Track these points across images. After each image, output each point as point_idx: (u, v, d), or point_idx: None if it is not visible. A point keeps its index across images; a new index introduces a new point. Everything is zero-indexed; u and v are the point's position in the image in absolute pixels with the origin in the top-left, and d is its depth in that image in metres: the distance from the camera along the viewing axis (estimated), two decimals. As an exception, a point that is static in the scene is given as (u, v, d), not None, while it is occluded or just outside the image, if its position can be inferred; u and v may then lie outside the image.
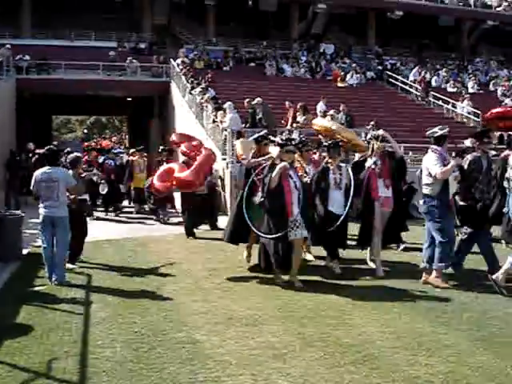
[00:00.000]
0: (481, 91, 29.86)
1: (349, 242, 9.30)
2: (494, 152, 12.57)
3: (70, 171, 9.36)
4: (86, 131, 65.13)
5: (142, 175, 17.07)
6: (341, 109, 19.53)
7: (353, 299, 7.22)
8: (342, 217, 8.44)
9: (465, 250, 8.67)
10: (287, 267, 8.01)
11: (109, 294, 7.59)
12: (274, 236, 7.85)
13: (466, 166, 8.44)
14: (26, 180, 13.87)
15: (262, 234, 8.09)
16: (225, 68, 29.07)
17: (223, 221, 12.59)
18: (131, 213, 17.29)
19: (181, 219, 13.85)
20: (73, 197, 8.98)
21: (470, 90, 29.37)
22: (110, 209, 16.98)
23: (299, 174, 8.79)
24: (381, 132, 8.94)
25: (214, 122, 19.10)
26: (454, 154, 9.32)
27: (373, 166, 8.63)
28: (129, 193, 18.15)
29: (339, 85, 27.93)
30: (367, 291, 7.66)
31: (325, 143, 10.10)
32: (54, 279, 8.15)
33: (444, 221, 7.78)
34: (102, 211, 16.85)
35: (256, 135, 9.94)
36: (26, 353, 5.46)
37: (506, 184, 7.61)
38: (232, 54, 30.63)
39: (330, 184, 8.81)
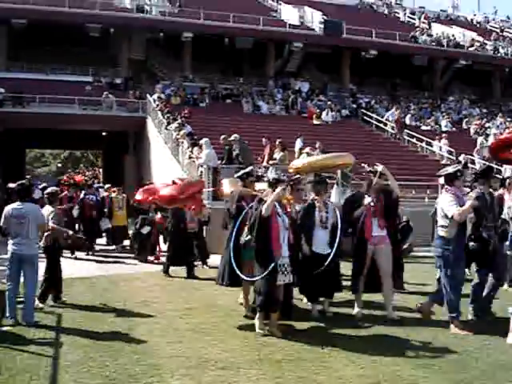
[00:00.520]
0: (453, 129, 30.32)
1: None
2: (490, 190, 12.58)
3: (49, 206, 9.22)
4: (60, 165, 64.61)
5: (122, 212, 16.50)
6: (317, 146, 19.52)
7: (334, 342, 7.01)
8: (330, 257, 7.93)
9: (481, 293, 8.22)
10: (274, 310, 7.40)
11: (79, 335, 7.32)
12: (259, 277, 7.30)
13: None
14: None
15: (247, 278, 7.70)
16: (201, 104, 29.17)
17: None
18: (108, 251, 16.39)
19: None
20: (46, 234, 8.76)
21: (444, 129, 29.80)
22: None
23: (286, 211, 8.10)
24: (380, 168, 8.41)
25: (189, 157, 19.03)
26: (470, 193, 8.44)
27: (372, 204, 8.22)
28: (109, 231, 17.11)
29: (315, 122, 28.14)
30: (348, 334, 7.46)
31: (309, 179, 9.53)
32: (23, 320, 7.87)
33: (457, 266, 7.42)
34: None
35: (241, 172, 9.47)
36: (-9, 399, 5.21)
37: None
38: (208, 90, 30.77)
39: (316, 222, 8.30)
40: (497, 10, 75.34)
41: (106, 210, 16.53)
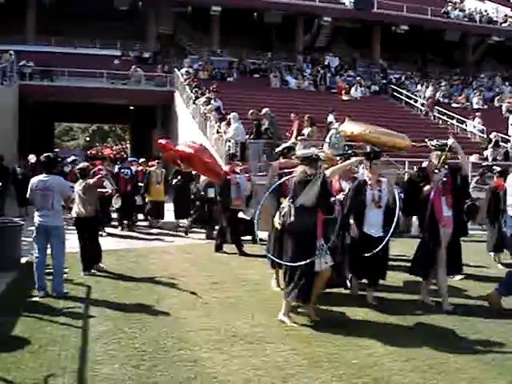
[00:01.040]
0: (485, 107, 29.75)
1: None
2: (498, 168, 12.32)
3: (81, 181, 9.48)
4: (88, 139, 65.06)
5: (160, 187, 15.81)
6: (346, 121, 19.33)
7: (362, 318, 6.96)
8: (384, 242, 7.15)
9: None
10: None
11: (108, 307, 7.36)
12: (298, 264, 6.51)
13: None
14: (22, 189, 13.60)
15: (284, 262, 6.85)
16: (229, 79, 28.99)
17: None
18: (145, 227, 15.83)
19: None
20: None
21: (475, 106, 29.26)
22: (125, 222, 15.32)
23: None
24: (451, 141, 7.54)
25: (217, 132, 18.95)
26: None
27: (443, 180, 7.35)
28: (143, 206, 16.28)
29: (343, 98, 27.84)
30: (378, 313, 7.31)
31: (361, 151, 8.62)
32: (52, 291, 7.94)
33: None
34: (116, 226, 15.18)
35: (282, 146, 8.64)
36: (22, 368, 5.25)
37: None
38: (236, 64, 30.55)
39: (368, 201, 7.50)
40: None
41: (140, 184, 15.82)
